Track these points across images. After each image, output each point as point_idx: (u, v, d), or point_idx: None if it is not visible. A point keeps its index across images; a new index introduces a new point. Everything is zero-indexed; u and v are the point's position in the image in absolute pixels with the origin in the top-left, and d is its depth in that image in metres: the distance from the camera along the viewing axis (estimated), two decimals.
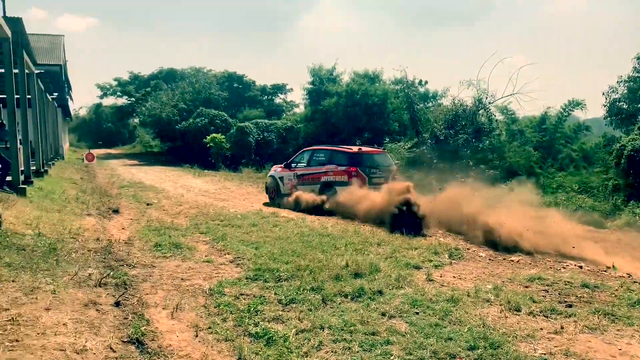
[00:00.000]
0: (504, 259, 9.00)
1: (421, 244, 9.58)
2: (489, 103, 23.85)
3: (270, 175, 16.47)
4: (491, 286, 7.07)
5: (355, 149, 14.44)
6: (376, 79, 35.17)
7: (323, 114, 33.56)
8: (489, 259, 8.98)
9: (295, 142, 33.64)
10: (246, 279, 7.04)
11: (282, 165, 16.25)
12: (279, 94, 54.26)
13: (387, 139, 23.57)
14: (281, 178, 15.87)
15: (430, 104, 37.06)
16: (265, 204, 15.58)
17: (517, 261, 8.79)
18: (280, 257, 8.13)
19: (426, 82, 36.53)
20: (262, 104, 50.17)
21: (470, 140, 22.52)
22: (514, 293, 6.74)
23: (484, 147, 22.61)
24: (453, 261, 8.62)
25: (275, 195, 15.93)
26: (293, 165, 15.63)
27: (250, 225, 11.41)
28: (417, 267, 7.99)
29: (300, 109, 46.77)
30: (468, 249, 9.75)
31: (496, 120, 24.39)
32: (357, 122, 30.20)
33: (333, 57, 63.43)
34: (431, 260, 8.46)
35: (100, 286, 6.13)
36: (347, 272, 7.28)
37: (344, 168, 13.91)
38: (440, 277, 7.56)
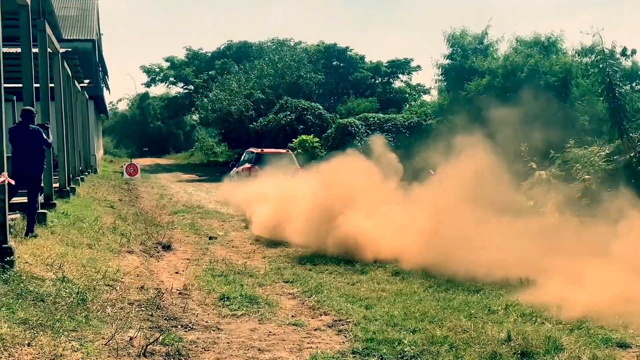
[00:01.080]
0: None
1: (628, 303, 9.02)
2: None
3: (230, 175, 26.99)
4: None
5: (259, 150, 26.10)
6: (551, 47, 34.16)
7: (467, 102, 33.08)
8: None
9: (424, 144, 33.46)
10: (352, 353, 7.01)
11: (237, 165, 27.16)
12: (400, 75, 54.46)
13: (571, 141, 22.61)
14: (232, 177, 26.24)
15: None
16: None
17: None
18: (404, 322, 8.03)
19: (633, 52, 34.84)
20: (374, 90, 50.57)
21: None
22: None
23: None
24: None
25: None
26: (238, 165, 26.57)
27: (357, 272, 11.42)
28: (623, 345, 7.53)
29: (432, 96, 46.59)
30: None
31: None
32: (522, 115, 29.40)
33: (482, 19, 62.54)
34: None
35: (145, 356, 6.36)
36: (510, 349, 7.04)
37: (249, 166, 24.55)
38: None
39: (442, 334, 7.50)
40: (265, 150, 26.23)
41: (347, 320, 8.23)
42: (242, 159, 27.11)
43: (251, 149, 27.18)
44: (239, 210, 19.95)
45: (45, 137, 11.54)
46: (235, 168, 26.97)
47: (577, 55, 32.95)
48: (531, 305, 9.01)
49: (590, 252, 11.56)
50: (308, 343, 7.38)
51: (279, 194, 16.86)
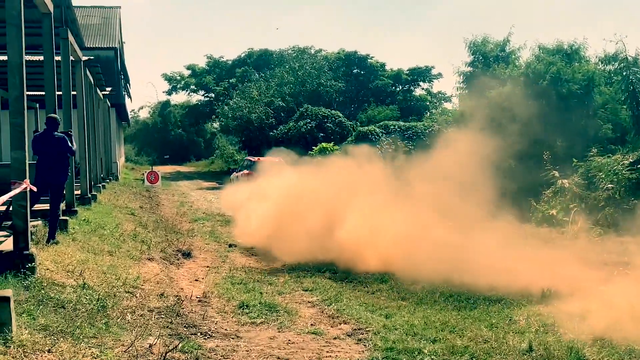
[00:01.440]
0: None
1: None
2: None
3: (230, 178, 30.81)
4: None
5: (256, 158, 30.11)
6: (574, 55, 33.98)
7: (488, 110, 32.96)
8: None
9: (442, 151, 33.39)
10: None
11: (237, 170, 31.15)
12: (421, 82, 54.39)
13: (594, 149, 22.39)
14: (232, 180, 29.94)
15: None
16: None
17: None
18: (424, 331, 7.99)
19: None
20: (395, 98, 50.54)
21: None
22: None
23: None
24: None
25: None
26: (238, 170, 30.60)
27: (378, 280, 11.38)
28: None
29: (454, 104, 46.49)
30: None
31: None
32: (544, 124, 29.18)
33: (503, 26, 62.44)
34: None
35: None
36: None
37: (247, 172, 27.70)
38: None
39: (463, 343, 7.46)
40: (261, 158, 30.36)
41: (367, 329, 8.20)
42: (241, 165, 31.85)
43: (249, 157, 32.70)
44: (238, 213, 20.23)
45: (69, 144, 11.64)
46: (235, 172, 31.00)
47: (600, 62, 32.66)
48: (553, 315, 8.93)
49: (613, 262, 11.49)
50: (327, 352, 7.37)
51: (270, 202, 16.54)
